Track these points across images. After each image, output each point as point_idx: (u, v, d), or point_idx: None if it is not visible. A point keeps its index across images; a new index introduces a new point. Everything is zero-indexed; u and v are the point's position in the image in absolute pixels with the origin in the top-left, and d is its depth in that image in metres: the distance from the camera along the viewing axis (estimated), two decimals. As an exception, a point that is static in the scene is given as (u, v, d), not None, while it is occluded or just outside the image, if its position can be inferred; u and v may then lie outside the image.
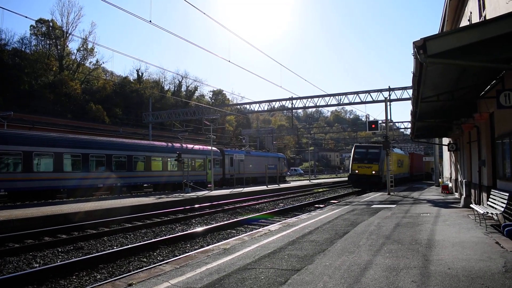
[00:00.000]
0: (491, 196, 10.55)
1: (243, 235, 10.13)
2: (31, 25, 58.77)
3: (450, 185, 25.63)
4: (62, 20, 61.45)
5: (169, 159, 28.63)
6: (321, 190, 34.13)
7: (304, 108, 40.27)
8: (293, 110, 43.91)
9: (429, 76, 8.00)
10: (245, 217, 15.10)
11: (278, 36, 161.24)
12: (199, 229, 12.32)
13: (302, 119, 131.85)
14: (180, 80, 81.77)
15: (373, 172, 28.51)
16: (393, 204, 16.86)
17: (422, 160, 52.32)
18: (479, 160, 13.22)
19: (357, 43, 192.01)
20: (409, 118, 32.16)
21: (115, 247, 9.96)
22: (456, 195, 21.84)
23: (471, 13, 12.76)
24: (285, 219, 13.80)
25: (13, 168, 19.26)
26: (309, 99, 37.66)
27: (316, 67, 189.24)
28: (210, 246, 8.57)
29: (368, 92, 34.39)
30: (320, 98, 36.83)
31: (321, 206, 19.13)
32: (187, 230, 12.37)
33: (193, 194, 22.85)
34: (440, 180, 33.33)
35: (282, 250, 7.48)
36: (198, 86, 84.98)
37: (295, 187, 33.60)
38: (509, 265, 5.97)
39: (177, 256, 8.50)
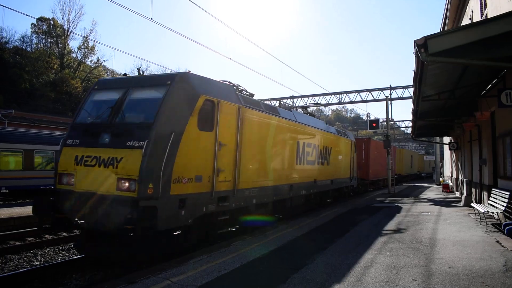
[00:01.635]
0: (492, 195, 10.55)
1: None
2: (32, 24, 58.54)
3: (450, 184, 25.64)
4: (63, 19, 61.29)
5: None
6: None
7: (305, 106, 40.23)
8: (294, 109, 43.82)
9: (430, 75, 7.99)
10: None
11: (279, 36, 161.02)
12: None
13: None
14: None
15: (124, 183, 6.33)
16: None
17: (387, 154, 25.09)
18: (480, 159, 13.21)
19: (357, 42, 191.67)
20: (410, 116, 32.10)
21: (116, 245, 9.96)
22: (457, 194, 21.84)
23: (472, 11, 12.75)
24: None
25: (14, 166, 19.28)
26: (310, 97, 37.67)
27: (317, 66, 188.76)
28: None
29: (369, 90, 34.38)
30: (321, 97, 36.83)
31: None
32: (188, 229, 12.34)
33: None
34: (440, 179, 33.34)
35: (283, 249, 7.49)
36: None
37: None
38: (510, 264, 5.97)
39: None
